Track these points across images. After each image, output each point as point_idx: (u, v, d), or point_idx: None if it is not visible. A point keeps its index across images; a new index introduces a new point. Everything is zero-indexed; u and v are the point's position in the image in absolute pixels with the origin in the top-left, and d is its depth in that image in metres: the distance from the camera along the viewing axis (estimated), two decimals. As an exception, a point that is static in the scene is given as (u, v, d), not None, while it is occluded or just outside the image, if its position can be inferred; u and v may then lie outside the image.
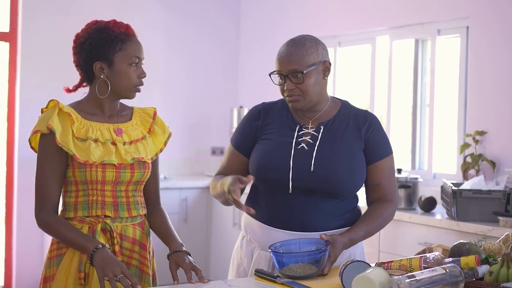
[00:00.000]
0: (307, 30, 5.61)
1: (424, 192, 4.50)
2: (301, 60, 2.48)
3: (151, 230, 2.53)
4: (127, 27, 2.41)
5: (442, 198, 4.16)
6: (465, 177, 4.34)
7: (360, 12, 5.24)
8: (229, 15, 6.52)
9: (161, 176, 5.81)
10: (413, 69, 4.98)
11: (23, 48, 5.55)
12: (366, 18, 5.20)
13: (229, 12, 6.52)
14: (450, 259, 2.16)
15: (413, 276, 2.01)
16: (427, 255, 2.19)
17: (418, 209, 4.29)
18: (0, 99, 5.67)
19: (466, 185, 3.92)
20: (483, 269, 2.13)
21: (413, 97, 4.98)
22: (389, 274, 2.07)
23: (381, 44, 5.18)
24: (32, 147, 2.39)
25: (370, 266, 2.16)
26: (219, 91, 6.47)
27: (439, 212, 4.19)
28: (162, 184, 5.57)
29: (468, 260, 2.10)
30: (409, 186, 4.31)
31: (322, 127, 2.56)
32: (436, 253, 2.18)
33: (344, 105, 2.65)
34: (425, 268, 2.14)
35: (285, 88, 2.52)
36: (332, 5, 5.49)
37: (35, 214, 2.33)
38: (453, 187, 3.87)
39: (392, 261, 2.24)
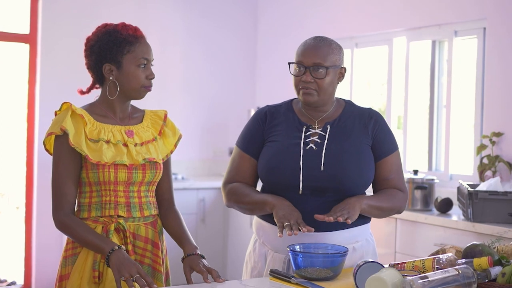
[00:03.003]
0: (324, 31, 5.63)
1: (440, 193, 4.50)
2: (327, 56, 2.53)
3: (165, 231, 2.57)
4: (136, 29, 2.45)
5: (458, 199, 4.16)
6: (482, 178, 4.33)
7: (377, 14, 5.25)
8: (247, 17, 6.55)
9: (178, 176, 5.85)
10: (430, 71, 4.98)
11: (43, 49, 5.61)
12: (383, 20, 5.21)
13: (247, 13, 6.55)
14: (463, 260, 2.17)
15: (426, 277, 2.03)
16: (440, 256, 2.20)
17: (435, 210, 4.29)
18: (20, 100, 5.73)
19: (482, 187, 3.92)
20: (495, 270, 2.14)
21: (430, 98, 4.98)
22: (402, 275, 2.09)
23: (398, 46, 5.18)
24: (46, 150, 2.44)
25: (384, 267, 2.18)
26: (237, 92, 6.50)
27: (456, 213, 4.18)
28: (179, 185, 5.64)
29: (481, 261, 2.12)
30: (425, 187, 4.31)
31: (328, 126, 2.60)
32: (449, 254, 2.19)
33: (348, 104, 2.70)
34: (438, 269, 2.15)
35: (302, 79, 2.55)
36: (349, 6, 5.50)
37: (52, 215, 2.37)
38: (469, 189, 3.87)
39: (406, 262, 2.25)
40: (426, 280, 2.01)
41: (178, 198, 5.51)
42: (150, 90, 2.47)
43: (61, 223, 2.36)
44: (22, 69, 5.73)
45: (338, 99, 2.71)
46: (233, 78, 6.52)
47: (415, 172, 4.41)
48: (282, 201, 2.50)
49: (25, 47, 5.67)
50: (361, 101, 5.57)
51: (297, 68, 2.56)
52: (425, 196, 4.32)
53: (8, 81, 6.22)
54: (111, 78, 2.42)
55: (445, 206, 4.19)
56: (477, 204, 3.82)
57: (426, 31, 4.92)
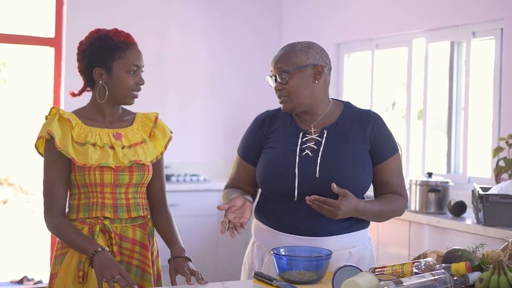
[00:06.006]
0: (345, 33, 5.65)
1: (458, 196, 4.43)
2: (287, 60, 2.53)
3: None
4: (127, 36, 2.49)
5: (472, 202, 4.11)
6: (498, 181, 4.26)
7: (397, 15, 5.21)
8: (271, 19, 6.55)
9: (200, 178, 5.88)
10: (448, 72, 4.93)
11: (67, 53, 5.70)
12: (403, 21, 5.17)
13: (272, 16, 6.55)
14: (443, 265, 2.16)
15: (401, 282, 2.02)
16: (420, 261, 2.19)
17: (448, 214, 4.24)
18: (46, 102, 5.85)
19: (494, 190, 3.86)
20: (474, 276, 2.12)
21: (448, 100, 4.92)
22: (380, 280, 2.08)
23: (417, 47, 5.14)
24: (39, 153, 2.49)
25: (362, 271, 2.17)
26: (261, 93, 6.50)
27: (470, 216, 4.13)
28: (201, 186, 5.68)
29: (459, 266, 2.10)
30: (439, 190, 4.26)
31: (325, 132, 2.57)
32: (429, 259, 2.18)
33: (347, 106, 2.66)
34: (416, 273, 2.14)
35: (275, 89, 2.57)
36: (369, 8, 5.48)
37: (44, 217, 2.43)
38: (480, 192, 3.81)
39: (386, 266, 2.24)
40: (400, 285, 2.00)
41: (199, 199, 5.65)
42: (137, 97, 2.50)
43: (51, 225, 2.42)
44: (48, 71, 5.84)
45: (336, 102, 2.67)
46: (257, 80, 6.51)
47: (429, 174, 4.37)
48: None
49: (51, 50, 5.79)
50: (383, 102, 5.55)
51: (272, 80, 2.59)
52: (439, 199, 4.27)
53: (34, 83, 6.36)
54: (100, 82, 2.46)
55: (458, 209, 4.14)
56: (488, 208, 3.76)
57: (445, 32, 4.87)
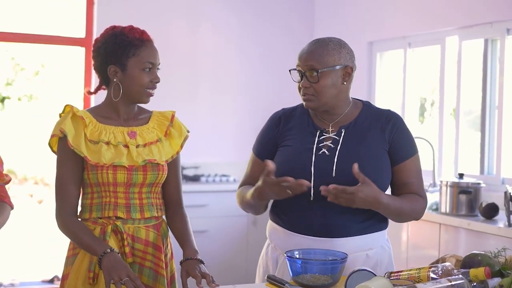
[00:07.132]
0: (377, 32, 5.55)
1: (491, 198, 4.29)
2: (319, 58, 2.45)
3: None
4: (142, 33, 2.44)
5: (504, 204, 3.98)
6: (532, 183, 4.13)
7: (430, 13, 5.10)
8: (303, 18, 6.47)
9: (230, 178, 5.83)
10: (482, 70, 4.79)
11: (97, 53, 5.71)
12: (435, 19, 5.05)
13: (304, 15, 6.47)
14: (461, 270, 2.06)
15: None
16: (438, 265, 2.10)
17: (480, 216, 4.11)
18: (76, 102, 5.87)
19: (526, 192, 3.73)
20: (494, 282, 2.03)
21: (482, 99, 4.78)
22: (394, 285, 2.01)
23: (451, 45, 5.02)
24: (53, 151, 2.46)
25: (376, 275, 2.09)
26: (292, 94, 6.42)
27: (502, 219, 4.00)
28: (230, 187, 5.62)
29: (477, 272, 2.01)
30: (470, 192, 4.14)
31: (343, 131, 2.51)
32: (447, 264, 2.09)
33: (366, 106, 2.59)
34: (433, 279, 2.05)
35: (301, 85, 2.49)
36: (402, 6, 5.37)
37: (55, 216, 2.40)
38: (512, 193, 3.70)
39: (402, 270, 2.16)
40: (414, 291, 1.93)
41: (229, 200, 5.58)
42: (152, 95, 2.45)
43: (61, 224, 2.39)
44: (79, 71, 5.87)
45: (356, 101, 2.61)
46: (288, 81, 6.42)
47: (461, 176, 4.25)
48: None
49: (81, 50, 5.81)
50: (416, 101, 5.44)
51: (298, 74, 2.51)
52: (470, 201, 4.15)
53: (65, 82, 6.40)
54: (115, 80, 2.42)
55: (489, 212, 4.01)
56: (520, 210, 3.64)
57: (478, 30, 4.74)
